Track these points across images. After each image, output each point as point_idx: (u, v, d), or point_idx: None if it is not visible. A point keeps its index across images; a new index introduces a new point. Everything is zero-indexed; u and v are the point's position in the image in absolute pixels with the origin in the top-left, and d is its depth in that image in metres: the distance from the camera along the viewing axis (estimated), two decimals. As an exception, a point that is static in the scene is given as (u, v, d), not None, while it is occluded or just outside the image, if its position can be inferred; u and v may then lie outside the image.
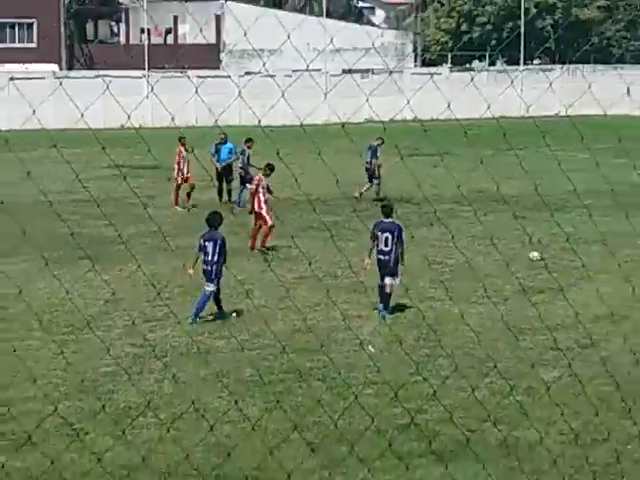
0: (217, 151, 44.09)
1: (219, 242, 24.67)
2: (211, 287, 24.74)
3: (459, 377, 17.52)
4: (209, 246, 24.60)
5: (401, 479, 15.15)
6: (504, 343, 20.69)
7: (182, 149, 43.64)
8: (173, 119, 39.63)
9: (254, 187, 33.60)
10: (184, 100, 53.32)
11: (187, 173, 42.61)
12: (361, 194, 41.65)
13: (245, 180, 42.29)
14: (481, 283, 19.51)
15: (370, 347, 20.85)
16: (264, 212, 31.76)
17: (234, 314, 24.66)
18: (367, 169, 44.05)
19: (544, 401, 17.77)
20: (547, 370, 19.39)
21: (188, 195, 42.52)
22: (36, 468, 14.97)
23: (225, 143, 44.20)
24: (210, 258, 24.47)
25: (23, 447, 15.13)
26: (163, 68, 73.97)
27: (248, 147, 43.03)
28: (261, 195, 32.15)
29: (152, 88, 65.10)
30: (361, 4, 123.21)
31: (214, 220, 25.73)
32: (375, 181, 43.73)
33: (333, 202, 29.85)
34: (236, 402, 17.11)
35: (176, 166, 42.32)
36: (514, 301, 23.18)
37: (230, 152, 44.55)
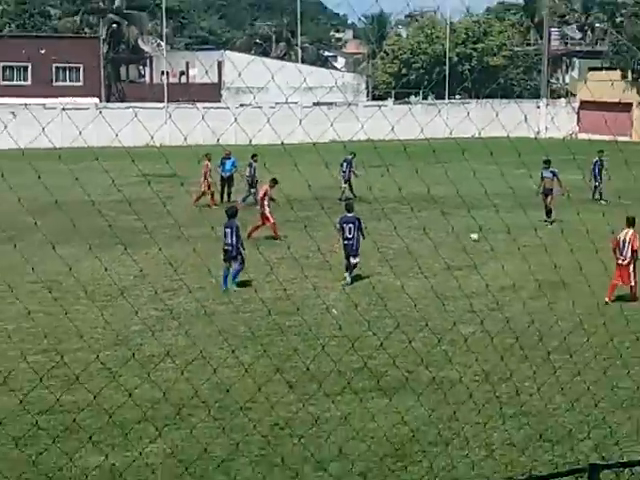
0: (222, 164, 44.22)
1: (234, 228, 25.60)
2: (237, 264, 25.63)
3: (400, 332, 17.51)
4: (228, 232, 25.45)
5: (357, 409, 15.24)
6: (433, 307, 20.78)
7: (208, 163, 42.99)
8: (185, 139, 39.50)
9: (262, 194, 33.85)
10: (193, 125, 53.20)
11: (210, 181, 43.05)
12: (343, 193, 43.00)
13: (252, 186, 42.33)
14: (416, 262, 19.48)
15: (333, 310, 20.94)
16: (267, 213, 32.72)
17: (234, 287, 24.91)
18: (343, 176, 45.55)
19: (463, 350, 17.85)
20: (465, 327, 19.50)
21: (212, 196, 43.06)
22: (82, 402, 14.96)
23: (229, 158, 44.25)
24: (229, 241, 25.37)
25: (72, 386, 15.07)
26: (178, 101, 73.75)
27: (254, 161, 42.89)
28: (266, 201, 32.75)
29: (170, 116, 64.84)
30: (327, 53, 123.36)
31: (232, 212, 26.94)
32: (345, 185, 44.86)
33: (306, 202, 29.99)
34: (233, 351, 17.11)
35: (203, 176, 42.64)
36: (441, 276, 23.35)
37: (232, 165, 44.62)
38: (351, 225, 26.81)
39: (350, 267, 26.79)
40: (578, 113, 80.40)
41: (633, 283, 24.01)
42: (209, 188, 43.25)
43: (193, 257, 21.43)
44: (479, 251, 25.54)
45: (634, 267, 24.20)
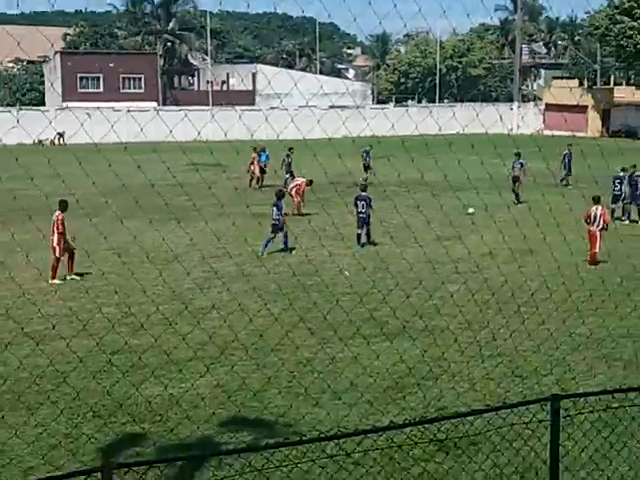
0: (259, 155, 44.05)
1: (280, 207, 26.04)
2: (281, 233, 26.07)
3: (399, 289, 17.58)
4: (274, 210, 25.83)
5: (364, 350, 15.25)
6: (426, 270, 20.74)
7: (255, 155, 43.55)
8: (225, 135, 39.23)
9: (297, 187, 33.86)
10: (232, 124, 53.37)
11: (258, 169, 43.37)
12: (366, 179, 41.51)
13: (290, 174, 41.98)
14: (412, 234, 19.47)
15: (346, 272, 20.86)
16: (297, 199, 32.93)
17: (289, 251, 25.58)
18: (364, 165, 45.33)
19: (450, 303, 17.85)
20: (452, 285, 19.51)
21: (257, 181, 43.39)
22: (146, 344, 15.04)
23: (264, 151, 44.23)
24: (276, 217, 25.76)
25: (138, 332, 15.20)
26: (220, 105, 73.51)
27: (291, 153, 42.67)
28: (297, 192, 33.14)
29: (213, 116, 64.81)
30: (340, 66, 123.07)
31: (280, 194, 27.37)
32: (369, 172, 43.92)
33: (323, 186, 29.90)
34: (265, 304, 17.18)
35: (251, 166, 43.44)
36: (432, 245, 23.22)
37: (266, 157, 44.46)
38: (364, 202, 27.32)
39: (361, 237, 27.27)
40: (543, 114, 79.98)
41: (597, 250, 24.01)
42: (254, 173, 43.36)
43: (233, 230, 21.58)
44: (463, 224, 25.54)
45: (601, 236, 24.36)
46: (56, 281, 21.62)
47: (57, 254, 21.66)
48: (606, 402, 10.21)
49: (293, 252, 25.62)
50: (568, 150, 42.53)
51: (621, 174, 31.86)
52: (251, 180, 43.13)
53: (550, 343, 15.45)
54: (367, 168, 45.14)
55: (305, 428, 11.68)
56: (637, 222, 31.25)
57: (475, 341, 15.54)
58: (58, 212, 21.95)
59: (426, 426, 10.56)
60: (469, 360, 14.75)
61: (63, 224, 21.79)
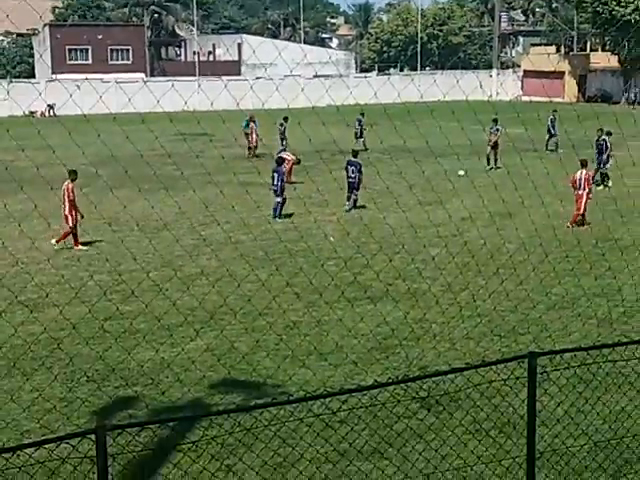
0: (247, 125, 43.53)
1: (280, 173, 26.74)
2: (278, 199, 26.47)
3: (382, 254, 17.63)
4: (275, 176, 26.50)
5: (349, 312, 15.36)
6: (408, 234, 20.80)
7: (253, 124, 42.84)
8: (212, 105, 39.11)
9: (289, 163, 32.62)
10: (218, 93, 53.12)
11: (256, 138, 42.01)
12: (364, 145, 41.87)
13: (283, 140, 42.37)
14: (395, 199, 19.49)
15: (331, 238, 20.96)
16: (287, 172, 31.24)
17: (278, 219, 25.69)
18: (356, 133, 44.92)
19: (431, 266, 17.95)
20: (433, 249, 19.50)
21: (250, 150, 42.47)
22: (137, 310, 15.13)
23: (249, 119, 43.38)
24: (275, 182, 26.42)
25: (129, 298, 15.26)
26: (206, 75, 73.09)
27: (285, 121, 42.29)
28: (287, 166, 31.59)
29: (199, 86, 64.49)
30: (323, 36, 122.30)
31: (279, 161, 28.41)
32: (361, 139, 44.00)
33: (308, 154, 29.86)
34: (253, 270, 17.25)
35: (253, 135, 42.38)
36: (414, 210, 23.29)
37: (247, 125, 43.62)
38: (353, 167, 27.68)
39: (350, 199, 27.53)
40: (522, 80, 79.95)
41: (581, 212, 24.30)
42: (253, 143, 42.52)
43: (220, 198, 21.48)
44: (445, 189, 25.52)
45: (587, 199, 24.63)
46: (81, 247, 21.83)
47: (70, 222, 21.64)
48: (581, 359, 10.32)
49: (279, 220, 25.56)
50: (553, 115, 42.26)
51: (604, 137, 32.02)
52: (249, 149, 42.54)
53: (527, 303, 15.57)
54: (359, 136, 44.82)
55: (293, 388, 11.78)
56: (602, 185, 31.44)
57: (455, 302, 15.66)
58: (68, 181, 21.94)
59: (409, 384, 10.65)
60: (449, 321, 14.87)
61: (73, 192, 21.77)
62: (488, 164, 35.69)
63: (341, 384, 11.68)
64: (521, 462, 6.33)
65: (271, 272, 17.69)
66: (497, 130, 35.95)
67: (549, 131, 42.38)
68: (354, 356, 13.15)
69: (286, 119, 41.73)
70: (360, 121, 45.34)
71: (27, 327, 14.63)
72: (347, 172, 27.80)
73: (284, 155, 32.77)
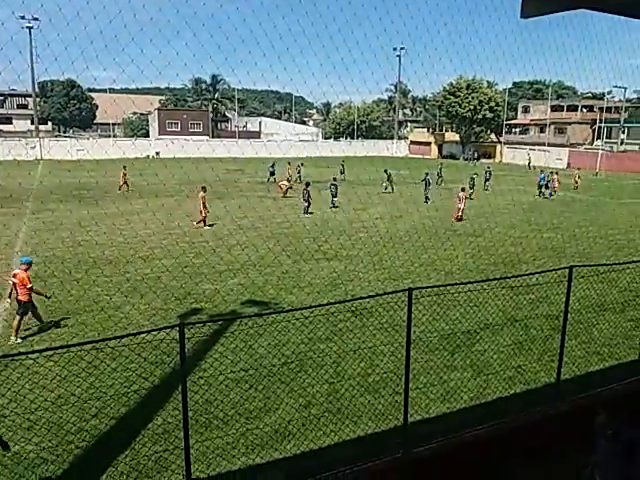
0: (272, 166, 35.22)
1: (306, 192, 23.69)
2: (306, 204, 23.65)
3: (333, 235, 17.57)
4: (305, 192, 23.69)
5: (315, 266, 15.08)
6: (347, 224, 20.74)
7: (289, 167, 34.18)
8: (242, 153, 38.68)
9: (285, 187, 28.81)
10: (248, 148, 52.61)
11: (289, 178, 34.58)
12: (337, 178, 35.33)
13: (299, 178, 34.81)
14: (341, 209, 19.52)
15: (307, 227, 20.82)
16: (285, 189, 28.65)
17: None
18: (341, 171, 36.04)
19: (359, 243, 17.77)
20: (360, 233, 19.20)
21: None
22: (201, 263, 14.90)
23: (273, 165, 35.44)
24: (304, 196, 23.78)
25: (197, 256, 15.00)
26: (241, 138, 72.22)
27: (301, 166, 35.34)
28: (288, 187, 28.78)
29: (237, 143, 63.81)
30: (304, 119, 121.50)
31: (307, 183, 24.78)
32: (343, 174, 34.77)
33: (295, 183, 29.66)
34: (264, 242, 17.15)
35: (287, 174, 34.10)
36: (351, 212, 23.05)
37: (272, 166, 35.58)
38: (334, 186, 25.56)
39: (332, 202, 25.37)
40: (409, 146, 79.80)
41: (460, 213, 22.84)
42: (289, 181, 34.89)
43: (248, 204, 21.03)
44: (367, 202, 25.40)
45: (463, 206, 22.84)
46: (206, 227, 20.49)
47: (203, 214, 20.48)
48: (437, 291, 10.48)
49: (306, 215, 23.45)
50: (440, 165, 37.39)
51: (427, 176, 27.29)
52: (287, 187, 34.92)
53: (407, 262, 15.57)
54: (342, 172, 36.41)
55: (285, 305, 11.79)
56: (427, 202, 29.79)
57: (372, 262, 15.70)
58: (202, 192, 20.57)
59: (346, 303, 10.77)
60: (368, 271, 14.78)
61: (204, 198, 20.43)
62: (385, 189, 34.49)
63: (310, 303, 11.74)
64: (402, 344, 6.39)
65: (274, 244, 17.62)
66: (390, 174, 33.78)
67: (438, 173, 37.18)
68: (318, 288, 13.15)
69: (302, 164, 36.06)
70: (342, 165, 37.72)
71: (143, 270, 14.43)
72: (330, 189, 25.73)
73: (285, 182, 29.38)
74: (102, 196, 25.81)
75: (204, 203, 20.63)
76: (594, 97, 77.73)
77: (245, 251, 15.93)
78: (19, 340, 9.67)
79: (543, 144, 66.10)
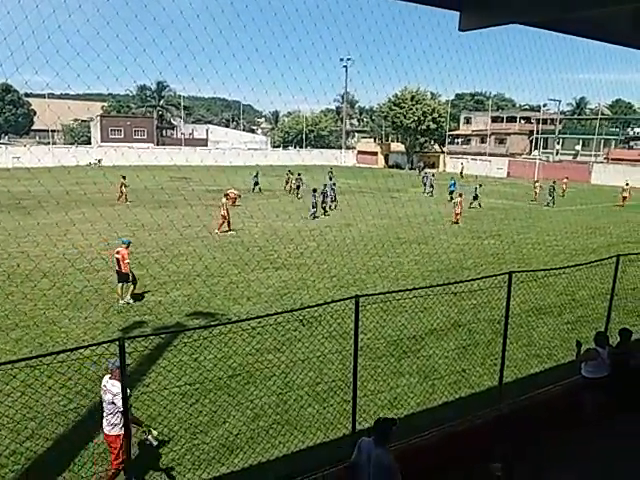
0: (256, 176, 33.55)
1: (314, 197, 24.34)
2: (313, 209, 24.28)
3: (281, 244, 17.49)
4: (311, 196, 24.38)
5: (263, 275, 14.99)
6: (296, 234, 20.62)
7: (292, 176, 33.34)
8: (186, 160, 38.17)
9: (234, 195, 27.26)
10: (194, 156, 51.54)
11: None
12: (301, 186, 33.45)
13: (299, 187, 32.82)
14: (289, 217, 19.50)
15: (255, 235, 20.60)
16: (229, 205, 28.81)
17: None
18: (330, 177, 34.91)
19: (308, 251, 17.80)
20: (310, 242, 19.12)
21: (291, 191, 33.68)
22: (146, 275, 14.49)
23: (257, 175, 33.66)
24: (313, 200, 24.43)
25: (143, 265, 14.53)
26: (187, 146, 71.02)
27: (297, 175, 32.68)
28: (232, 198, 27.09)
29: (182, 151, 62.68)
30: (253, 127, 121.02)
31: (314, 189, 24.73)
32: (331, 181, 32.31)
33: (243, 192, 29.21)
34: (209, 251, 16.86)
35: (288, 184, 34.17)
36: (300, 221, 23.01)
37: (256, 176, 33.54)
38: (315, 194, 25.02)
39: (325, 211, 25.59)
40: (357, 156, 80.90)
41: (458, 217, 25.22)
42: (291, 188, 33.72)
43: (193, 213, 20.60)
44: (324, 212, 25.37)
45: (460, 212, 25.14)
46: (229, 232, 21.09)
47: (225, 218, 21.25)
48: (382, 298, 10.60)
49: (316, 218, 24.14)
50: (430, 175, 37.17)
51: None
52: (290, 191, 32.57)
53: (355, 270, 15.72)
54: (331, 178, 34.67)
55: (232, 316, 11.63)
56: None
57: (319, 270, 15.72)
58: (224, 199, 21.49)
59: (294, 312, 10.72)
60: (316, 279, 14.79)
61: (226, 205, 21.37)
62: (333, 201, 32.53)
63: (258, 313, 11.61)
64: (351, 352, 6.40)
65: (221, 254, 17.38)
66: (333, 184, 32.52)
67: (429, 184, 36.98)
68: (266, 298, 13.05)
69: (300, 175, 32.88)
70: (331, 173, 33.94)
71: (82, 282, 13.84)
72: (324, 195, 25.68)
73: (234, 191, 27.48)
74: (37, 206, 24.64)
75: (227, 209, 21.31)
76: (531, 109, 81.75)
77: (190, 261, 15.61)
78: (127, 300, 12.40)
79: (484, 154, 68.71)
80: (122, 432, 5.46)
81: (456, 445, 6.41)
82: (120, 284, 12.56)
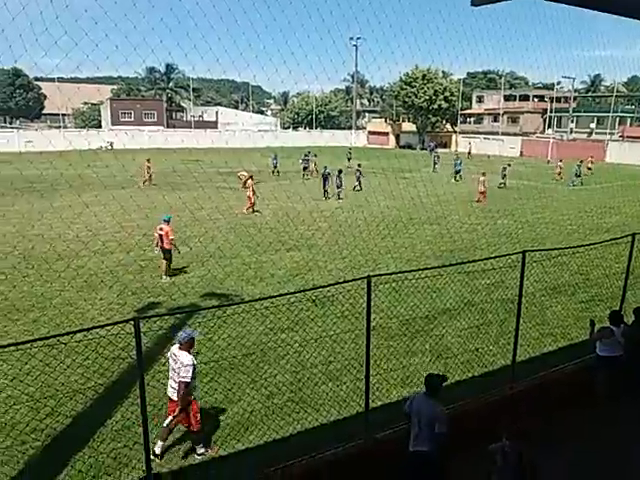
0: (275, 158, 33.31)
1: (326, 179, 24.93)
2: (338, 189, 24.58)
3: (293, 226, 17.49)
4: (324, 179, 25.00)
5: (276, 257, 15.05)
6: (307, 215, 20.53)
7: (315, 158, 33.25)
8: (197, 142, 38.03)
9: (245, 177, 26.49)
10: (204, 139, 51.28)
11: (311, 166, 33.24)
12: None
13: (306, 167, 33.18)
14: (301, 198, 19.41)
15: (267, 217, 20.54)
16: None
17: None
18: (348, 158, 36.17)
19: (320, 232, 17.82)
20: (322, 223, 19.14)
21: (311, 174, 32.90)
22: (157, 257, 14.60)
23: (275, 157, 33.41)
24: (337, 182, 24.87)
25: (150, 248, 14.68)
26: (197, 129, 70.85)
27: (313, 155, 33.44)
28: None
29: (192, 133, 62.54)
30: (262, 108, 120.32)
31: (339, 171, 25.27)
32: (350, 161, 35.11)
33: (254, 173, 29.14)
34: (223, 235, 16.90)
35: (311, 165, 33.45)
36: (310, 203, 22.84)
37: (275, 158, 33.27)
38: (340, 174, 25.24)
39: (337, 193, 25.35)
40: (368, 136, 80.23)
41: (481, 196, 25.44)
42: (309, 170, 33.42)
43: (204, 195, 20.56)
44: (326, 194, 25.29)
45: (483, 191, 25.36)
46: (254, 213, 21.56)
47: (251, 200, 21.61)
48: (395, 278, 10.60)
49: (339, 201, 24.26)
50: (458, 158, 36.10)
51: None
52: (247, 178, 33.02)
53: (367, 250, 15.69)
54: (349, 158, 36.23)
55: (245, 297, 11.71)
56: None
57: (331, 251, 15.74)
58: (250, 180, 21.97)
59: (306, 292, 10.76)
60: (327, 260, 14.80)
61: (253, 185, 21.79)
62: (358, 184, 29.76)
63: (271, 293, 11.68)
64: (363, 331, 6.43)
65: (233, 235, 17.39)
66: (358, 166, 32.86)
67: (439, 163, 38.22)
68: (279, 279, 13.10)
69: (316, 155, 33.49)
70: (350, 153, 37.65)
71: (98, 264, 13.98)
72: (337, 177, 25.27)
73: (244, 173, 27.18)
74: (50, 189, 24.84)
75: (253, 190, 21.63)
76: (545, 87, 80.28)
77: (202, 242, 15.68)
78: (168, 278, 12.82)
79: (497, 133, 67.78)
80: (190, 397, 6.15)
81: (468, 424, 6.44)
82: (165, 261, 13.07)
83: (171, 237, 13.08)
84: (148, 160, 28.52)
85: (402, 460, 5.63)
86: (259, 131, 71.71)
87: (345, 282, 6.82)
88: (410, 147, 72.75)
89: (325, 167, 26.70)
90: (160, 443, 6.34)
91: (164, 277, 12.94)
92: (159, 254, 13.52)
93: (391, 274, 7.23)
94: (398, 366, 8.57)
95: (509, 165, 33.60)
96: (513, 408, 6.83)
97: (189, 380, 6.03)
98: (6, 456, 6.19)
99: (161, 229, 13.19)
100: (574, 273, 13.30)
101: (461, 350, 9.21)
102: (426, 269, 8.01)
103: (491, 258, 8.58)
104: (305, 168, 33.60)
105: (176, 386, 6.14)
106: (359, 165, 28.35)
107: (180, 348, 6.17)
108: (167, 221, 13.25)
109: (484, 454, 5.21)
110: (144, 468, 5.21)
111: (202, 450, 6.42)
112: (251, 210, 21.79)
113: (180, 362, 6.07)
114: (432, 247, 16.42)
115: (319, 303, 10.95)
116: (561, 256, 13.64)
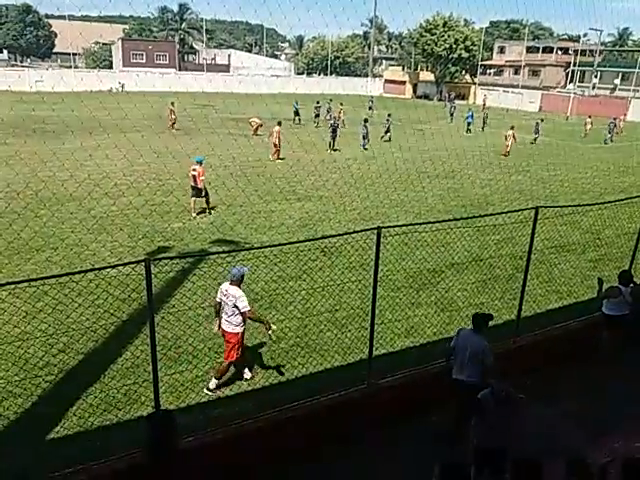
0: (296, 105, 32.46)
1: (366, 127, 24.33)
2: (364, 140, 24.11)
3: (304, 176, 17.36)
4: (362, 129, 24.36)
5: (287, 206, 15.06)
6: (320, 166, 20.36)
7: (339, 107, 32.14)
8: (210, 83, 37.06)
9: (256, 124, 27.26)
10: (217, 82, 50.35)
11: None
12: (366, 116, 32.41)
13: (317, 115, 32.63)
14: (315, 146, 19.10)
15: (278, 167, 20.31)
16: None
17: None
18: (370, 107, 37.20)
19: (330, 183, 17.62)
20: (332, 174, 19.07)
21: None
22: (172, 203, 14.61)
23: (297, 104, 32.63)
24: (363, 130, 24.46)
25: (171, 193, 14.63)
26: (210, 72, 69.33)
27: (329, 102, 33.00)
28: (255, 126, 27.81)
29: (205, 76, 61.30)
30: (277, 52, 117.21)
31: (365, 120, 25.01)
32: (371, 110, 35.91)
33: (266, 120, 28.56)
34: (236, 182, 16.84)
35: (335, 113, 31.41)
36: (324, 153, 22.67)
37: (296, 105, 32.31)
38: (366, 124, 24.78)
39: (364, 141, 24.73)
40: (384, 84, 78.11)
41: (508, 150, 25.15)
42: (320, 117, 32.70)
43: (218, 141, 20.33)
44: (341, 143, 24.88)
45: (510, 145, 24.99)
46: (277, 160, 21.53)
47: (276, 146, 21.47)
48: (401, 231, 10.55)
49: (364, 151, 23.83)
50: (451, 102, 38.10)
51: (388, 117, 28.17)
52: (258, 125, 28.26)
53: (377, 203, 15.58)
54: (370, 108, 37.30)
55: (255, 243, 11.77)
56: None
57: (341, 203, 15.63)
58: (277, 127, 21.62)
59: (315, 242, 10.78)
60: (337, 211, 14.74)
61: (279, 133, 21.51)
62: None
63: (281, 241, 11.71)
64: (370, 282, 6.44)
65: (245, 182, 17.25)
66: (370, 109, 33.01)
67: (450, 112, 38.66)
68: (289, 228, 13.10)
69: (342, 103, 32.79)
70: (372, 101, 38.78)
71: (110, 207, 14.02)
72: (364, 128, 24.67)
73: (255, 120, 27.33)
74: (62, 130, 24.66)
75: (278, 138, 21.43)
76: (570, 39, 76.99)
77: (213, 188, 15.62)
78: (196, 215, 13.59)
79: (517, 86, 65.72)
80: (241, 330, 6.58)
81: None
82: (193, 199, 13.81)
83: (202, 177, 13.74)
84: (172, 104, 27.66)
85: (447, 384, 6.01)
86: (272, 76, 70.14)
87: (355, 232, 6.76)
88: (427, 97, 70.90)
89: (334, 117, 26.23)
90: (214, 381, 6.70)
91: (194, 213, 13.63)
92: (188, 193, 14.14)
93: (401, 226, 7.17)
94: (403, 317, 8.66)
95: (542, 120, 32.84)
96: (516, 362, 6.91)
97: (249, 307, 6.43)
98: (20, 388, 6.41)
99: (194, 169, 13.83)
100: (585, 232, 13.17)
101: (466, 304, 9.26)
102: (436, 222, 7.93)
103: (503, 213, 8.50)
104: (317, 115, 33.00)
105: (230, 319, 6.52)
106: (389, 115, 27.63)
107: (231, 284, 6.52)
108: (200, 162, 13.88)
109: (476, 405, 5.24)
110: (153, 404, 5.37)
111: (249, 375, 6.93)
112: (276, 157, 21.74)
113: (232, 295, 6.42)
114: (444, 202, 16.27)
115: (327, 253, 10.98)
116: (573, 214, 13.47)
